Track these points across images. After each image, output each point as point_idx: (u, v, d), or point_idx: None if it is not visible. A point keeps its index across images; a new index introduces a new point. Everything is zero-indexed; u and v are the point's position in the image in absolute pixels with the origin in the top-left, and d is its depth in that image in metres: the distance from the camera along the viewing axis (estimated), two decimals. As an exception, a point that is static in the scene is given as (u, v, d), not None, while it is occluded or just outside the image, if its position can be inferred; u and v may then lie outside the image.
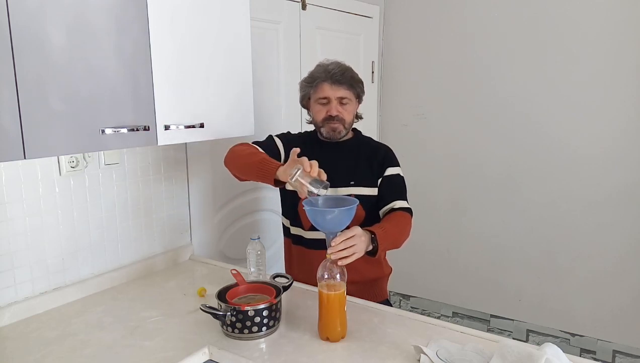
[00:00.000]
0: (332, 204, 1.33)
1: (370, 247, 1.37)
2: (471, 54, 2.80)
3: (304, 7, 2.42)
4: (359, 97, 1.63)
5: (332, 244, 1.25)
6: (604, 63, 2.45)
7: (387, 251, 1.71)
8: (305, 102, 1.68)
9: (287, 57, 2.36)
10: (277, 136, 1.71)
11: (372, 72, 3.03)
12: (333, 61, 1.61)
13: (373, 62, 3.03)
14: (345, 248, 1.26)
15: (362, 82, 1.63)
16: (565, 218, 2.65)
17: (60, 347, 1.26)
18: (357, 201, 1.29)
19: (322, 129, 1.63)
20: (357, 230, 1.32)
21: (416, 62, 3.00)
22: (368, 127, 3.02)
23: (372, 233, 1.38)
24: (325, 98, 1.58)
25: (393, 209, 1.58)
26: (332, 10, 2.63)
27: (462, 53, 2.83)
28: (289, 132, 1.76)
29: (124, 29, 1.21)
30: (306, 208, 1.26)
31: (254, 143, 1.64)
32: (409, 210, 1.59)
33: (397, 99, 3.11)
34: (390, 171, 1.63)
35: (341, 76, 1.55)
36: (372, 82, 3.05)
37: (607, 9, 2.41)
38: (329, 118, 1.58)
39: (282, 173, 1.32)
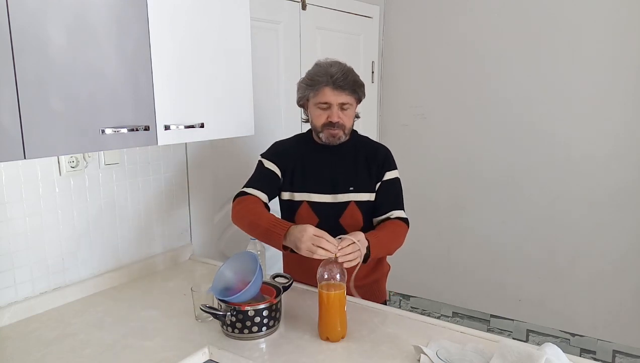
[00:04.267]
0: (237, 268, 1.36)
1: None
2: (471, 54, 2.80)
3: (304, 7, 2.42)
4: (359, 100, 1.56)
5: (340, 247, 1.27)
6: (603, 63, 2.45)
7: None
8: (303, 103, 1.60)
9: (287, 57, 2.36)
10: (266, 158, 1.62)
11: (372, 72, 3.03)
12: (334, 62, 1.53)
13: (373, 62, 3.03)
14: (352, 252, 1.29)
15: (363, 85, 1.55)
16: (565, 218, 2.65)
17: (60, 347, 1.26)
18: (257, 262, 1.30)
19: (321, 135, 1.56)
20: (360, 236, 1.33)
21: (416, 62, 3.00)
22: (368, 127, 3.03)
23: (367, 241, 1.38)
24: (326, 103, 1.50)
25: (389, 219, 1.56)
26: (332, 10, 2.63)
27: (462, 53, 2.83)
28: (277, 143, 1.69)
29: (124, 29, 1.21)
30: (219, 297, 1.28)
31: (249, 183, 1.59)
32: (405, 220, 1.58)
33: (397, 99, 3.11)
34: (388, 175, 1.60)
35: (344, 81, 1.47)
36: (372, 82, 3.05)
37: (607, 9, 2.41)
38: (329, 124, 1.52)
39: (291, 243, 1.35)
